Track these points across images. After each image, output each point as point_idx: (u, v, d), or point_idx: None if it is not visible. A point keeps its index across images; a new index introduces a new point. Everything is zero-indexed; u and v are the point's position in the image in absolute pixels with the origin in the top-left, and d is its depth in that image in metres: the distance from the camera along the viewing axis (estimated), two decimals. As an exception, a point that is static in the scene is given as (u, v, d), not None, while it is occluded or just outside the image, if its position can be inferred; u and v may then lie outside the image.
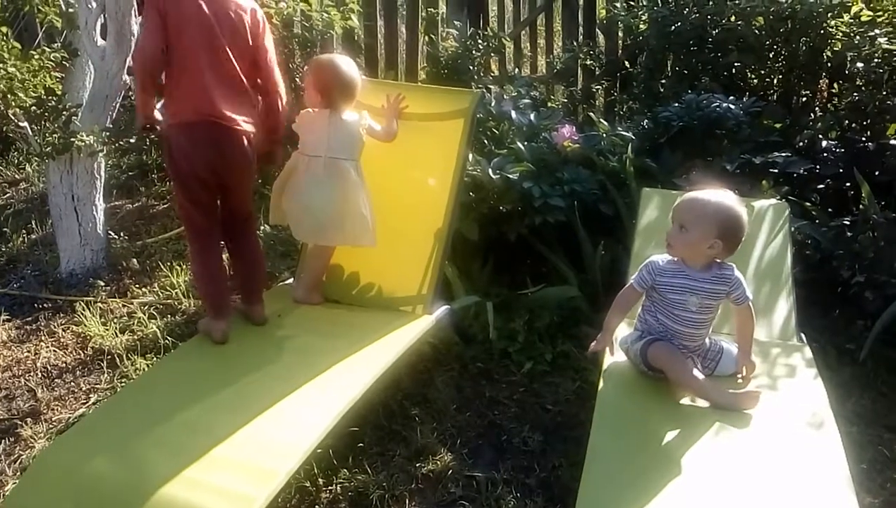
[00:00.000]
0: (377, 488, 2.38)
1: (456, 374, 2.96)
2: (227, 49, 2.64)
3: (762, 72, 4.41)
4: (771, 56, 4.34)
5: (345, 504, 2.35)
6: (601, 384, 2.38)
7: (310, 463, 2.35)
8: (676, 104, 3.77)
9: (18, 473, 2.50)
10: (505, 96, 3.75)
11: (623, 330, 2.52)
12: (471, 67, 4.55)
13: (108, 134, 3.67)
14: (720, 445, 2.11)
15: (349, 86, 2.89)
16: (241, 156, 2.70)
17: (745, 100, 3.83)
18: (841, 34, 4.06)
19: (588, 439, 2.13)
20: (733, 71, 4.38)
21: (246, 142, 2.70)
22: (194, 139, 2.62)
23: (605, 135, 3.63)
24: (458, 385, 2.90)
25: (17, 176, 5.14)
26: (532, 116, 3.65)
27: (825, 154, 3.73)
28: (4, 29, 3.35)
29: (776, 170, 3.51)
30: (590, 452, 2.07)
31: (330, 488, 2.40)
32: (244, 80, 2.70)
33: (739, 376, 2.40)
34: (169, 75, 2.64)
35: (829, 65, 4.30)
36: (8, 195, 4.88)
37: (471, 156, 3.19)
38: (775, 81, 4.43)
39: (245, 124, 2.69)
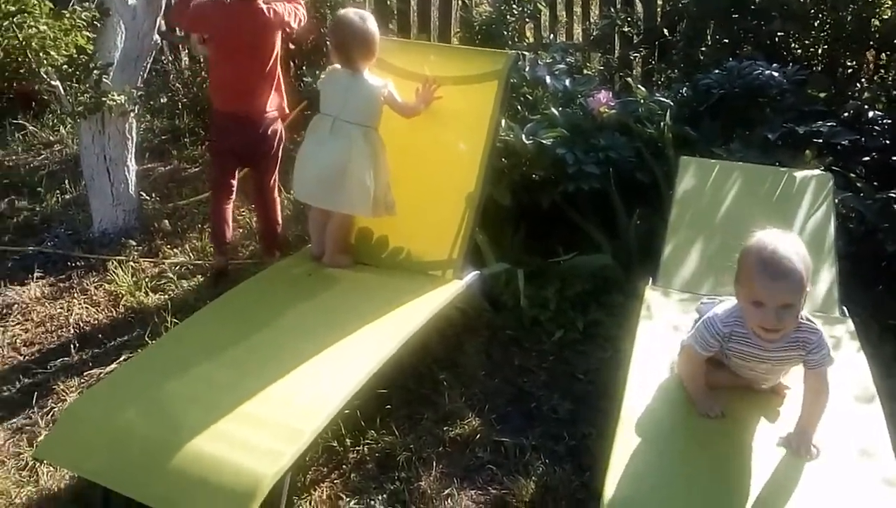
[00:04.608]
0: (404, 450, 2.37)
1: (485, 341, 2.93)
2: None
3: (806, 41, 4.26)
4: (816, 24, 4.19)
5: (372, 464, 2.35)
6: (634, 352, 2.32)
7: (337, 424, 2.34)
8: (717, 71, 3.66)
9: (51, 425, 2.52)
10: (539, 62, 3.67)
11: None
12: (505, 33, 4.46)
13: (139, 94, 3.65)
14: (757, 417, 2.05)
15: (365, 41, 2.80)
16: None
17: (788, 68, 3.71)
18: (890, 2, 3.91)
19: (619, 408, 2.09)
20: (776, 39, 4.23)
21: None
22: None
23: (642, 101, 3.54)
24: (487, 351, 2.87)
25: (51, 138, 5.16)
26: (567, 82, 3.56)
27: (871, 125, 3.60)
28: (38, -13, 3.33)
29: (820, 141, 3.38)
30: (621, 421, 2.03)
31: (357, 448, 2.39)
32: None
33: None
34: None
35: (876, 34, 4.15)
36: (43, 156, 4.91)
37: (504, 121, 3.13)
38: (820, 51, 4.28)
39: None
